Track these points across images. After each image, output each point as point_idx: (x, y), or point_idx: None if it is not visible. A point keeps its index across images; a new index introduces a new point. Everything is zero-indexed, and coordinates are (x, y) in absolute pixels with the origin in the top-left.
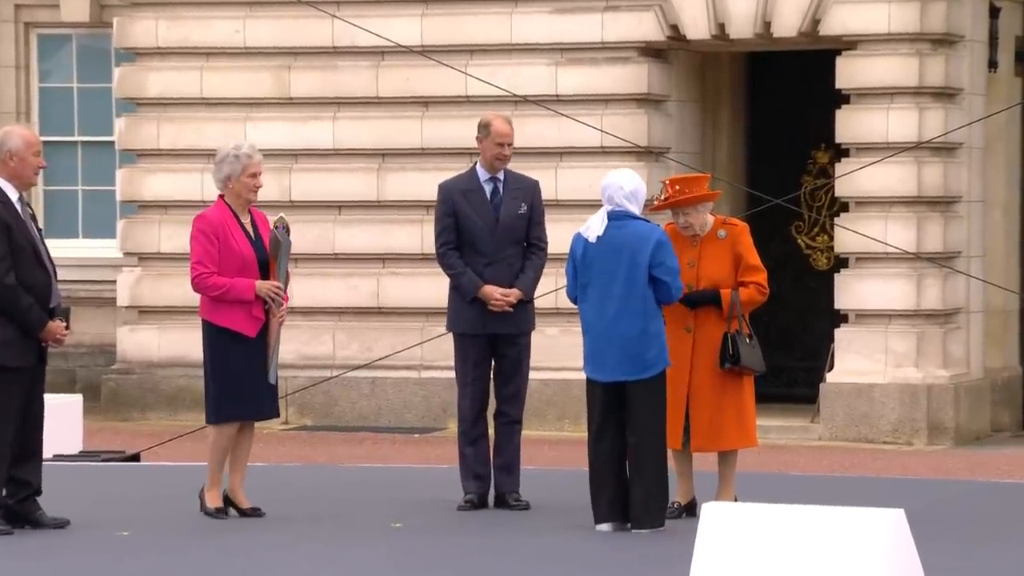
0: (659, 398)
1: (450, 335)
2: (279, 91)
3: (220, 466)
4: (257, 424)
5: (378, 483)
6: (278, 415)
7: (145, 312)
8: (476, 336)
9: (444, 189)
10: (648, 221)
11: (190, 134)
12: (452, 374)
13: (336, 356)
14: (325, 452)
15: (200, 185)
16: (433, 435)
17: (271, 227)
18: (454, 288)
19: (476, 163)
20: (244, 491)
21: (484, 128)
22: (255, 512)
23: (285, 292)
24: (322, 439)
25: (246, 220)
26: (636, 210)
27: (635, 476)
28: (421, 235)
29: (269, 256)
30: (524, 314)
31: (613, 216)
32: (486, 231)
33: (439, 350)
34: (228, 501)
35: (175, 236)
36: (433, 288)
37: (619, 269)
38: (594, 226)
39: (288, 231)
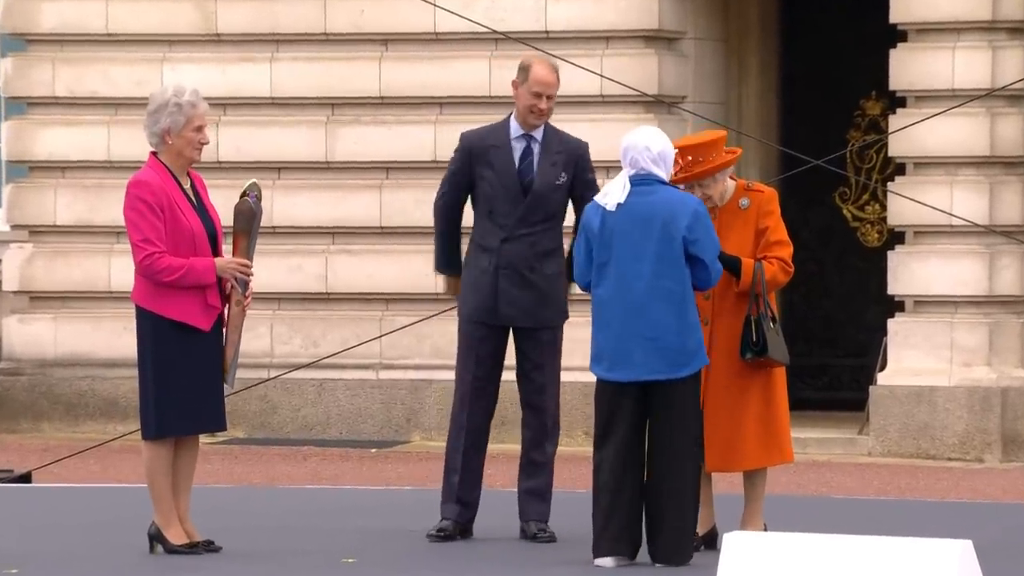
0: (697, 403)
1: (426, 324)
2: (204, 26)
3: (168, 491)
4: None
5: (327, 509)
6: (226, 427)
7: (38, 298)
8: (485, 325)
9: (464, 141)
10: (679, 188)
11: (94, 78)
12: (417, 374)
13: (275, 353)
14: (261, 471)
15: (106, 141)
16: (394, 450)
17: (242, 192)
18: (466, 264)
19: (511, 114)
20: (192, 520)
21: (522, 72)
22: (209, 546)
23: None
24: (258, 455)
25: (187, 185)
26: (664, 176)
27: (668, 503)
28: (379, 204)
29: (236, 231)
30: (547, 302)
31: (637, 181)
32: (507, 200)
33: (401, 345)
34: (159, 537)
35: (75, 204)
36: (394, 269)
37: (648, 243)
38: (614, 192)
39: (260, 199)
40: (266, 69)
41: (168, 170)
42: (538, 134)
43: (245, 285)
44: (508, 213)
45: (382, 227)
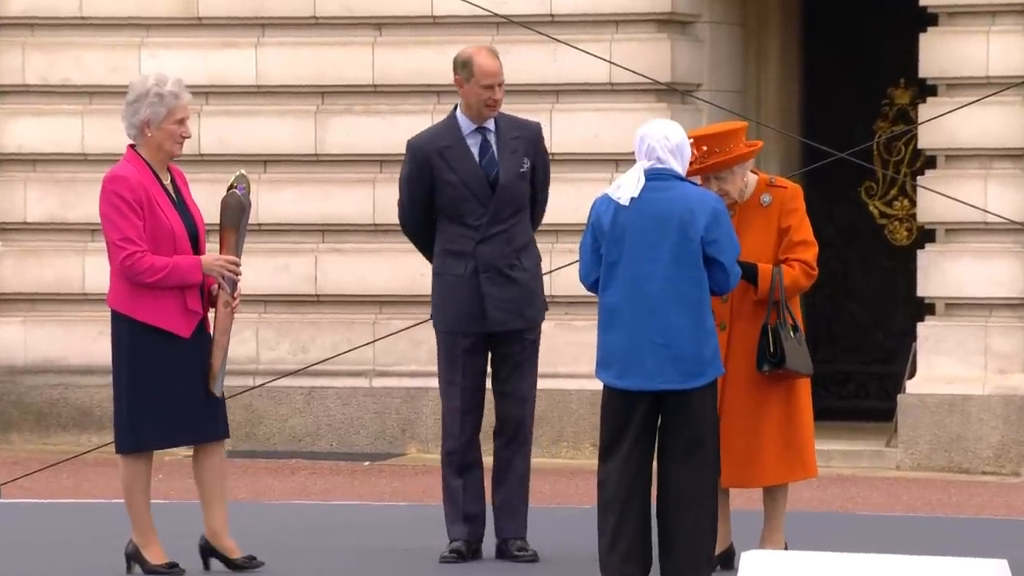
0: (714, 413)
1: (422, 329)
2: (184, 9)
3: (145, 509)
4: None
5: (317, 526)
6: (227, 435)
7: (7, 301)
8: (470, 335)
9: (415, 149)
10: (697, 183)
11: (66, 65)
12: (412, 382)
13: (260, 359)
14: (247, 485)
15: (80, 132)
16: (388, 463)
17: (229, 185)
18: (437, 273)
19: (455, 109)
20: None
21: (464, 67)
22: (251, 562)
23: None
24: (242, 468)
25: (167, 180)
26: (680, 169)
27: (683, 520)
28: (373, 200)
29: (223, 226)
30: (532, 298)
31: (653, 175)
32: (476, 200)
33: (396, 350)
34: (210, 550)
35: (46, 200)
36: (388, 269)
37: (664, 242)
38: (628, 185)
39: (249, 192)
40: (251, 55)
41: (147, 164)
42: (490, 124)
43: (233, 284)
44: (479, 213)
45: (375, 224)
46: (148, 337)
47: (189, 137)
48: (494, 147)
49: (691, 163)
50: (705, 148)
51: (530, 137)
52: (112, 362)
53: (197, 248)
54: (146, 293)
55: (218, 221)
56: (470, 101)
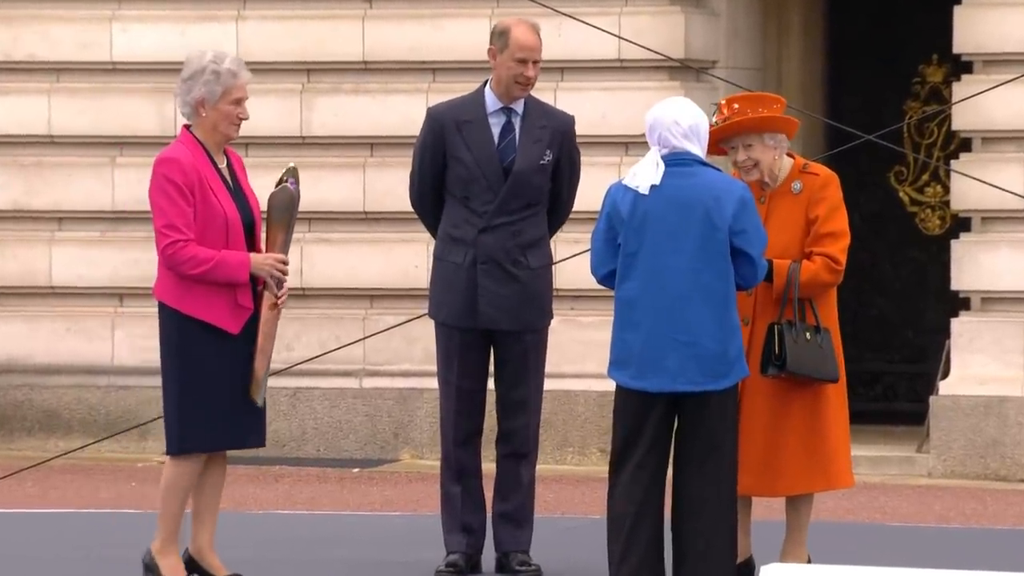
0: (735, 417)
1: (416, 325)
2: None
3: (180, 517)
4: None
5: (303, 537)
6: (264, 443)
7: None
8: (465, 330)
9: (432, 118)
10: (720, 170)
11: (32, 40)
12: (406, 382)
13: None
14: (227, 494)
15: (46, 113)
16: (380, 469)
17: (279, 179)
18: (437, 258)
19: (486, 83)
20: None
21: (500, 37)
22: None
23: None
24: None
25: (223, 164)
26: (700, 152)
27: (699, 532)
28: (362, 185)
29: (272, 222)
30: (533, 301)
31: (672, 161)
32: (486, 184)
33: (388, 348)
34: (193, 566)
35: (10, 185)
36: (380, 261)
37: (688, 232)
38: (646, 173)
39: (298, 184)
40: (231, 29)
41: (201, 146)
42: (518, 107)
43: (280, 285)
44: (486, 199)
45: (366, 212)
46: (196, 332)
47: (246, 119)
48: (517, 131)
49: (720, 120)
50: (736, 106)
51: (559, 129)
52: (160, 358)
53: (252, 238)
54: (194, 285)
55: (258, 218)
56: (501, 76)
